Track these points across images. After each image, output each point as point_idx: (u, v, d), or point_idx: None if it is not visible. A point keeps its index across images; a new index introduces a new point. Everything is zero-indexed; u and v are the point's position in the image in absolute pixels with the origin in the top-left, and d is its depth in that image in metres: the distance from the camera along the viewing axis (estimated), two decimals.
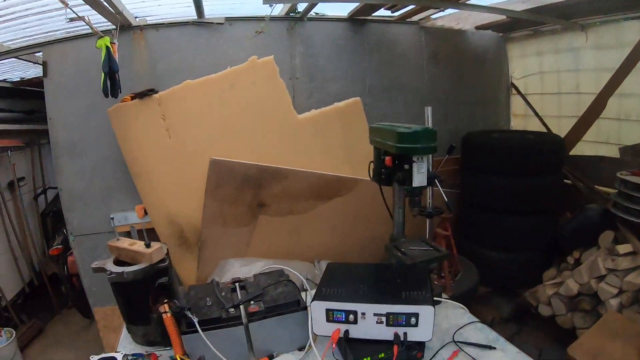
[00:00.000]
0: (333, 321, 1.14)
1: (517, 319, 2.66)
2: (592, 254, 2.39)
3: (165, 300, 1.24)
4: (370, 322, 1.12)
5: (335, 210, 2.20)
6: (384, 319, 1.11)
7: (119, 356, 1.09)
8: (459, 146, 2.85)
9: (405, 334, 1.12)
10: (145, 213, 2.29)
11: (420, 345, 1.18)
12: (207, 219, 2.08)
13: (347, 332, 1.14)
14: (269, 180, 2.03)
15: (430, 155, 1.42)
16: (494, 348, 1.23)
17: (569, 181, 2.84)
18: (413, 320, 1.09)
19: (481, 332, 1.31)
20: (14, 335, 2.59)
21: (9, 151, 3.12)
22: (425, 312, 1.08)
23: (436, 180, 1.43)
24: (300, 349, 1.30)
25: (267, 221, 2.12)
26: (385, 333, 1.13)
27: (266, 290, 1.31)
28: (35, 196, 3.60)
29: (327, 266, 1.33)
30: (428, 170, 1.40)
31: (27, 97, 3.36)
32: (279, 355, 1.28)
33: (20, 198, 3.31)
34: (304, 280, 1.51)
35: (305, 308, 1.21)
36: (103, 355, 1.11)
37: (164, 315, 1.21)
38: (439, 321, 1.37)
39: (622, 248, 2.22)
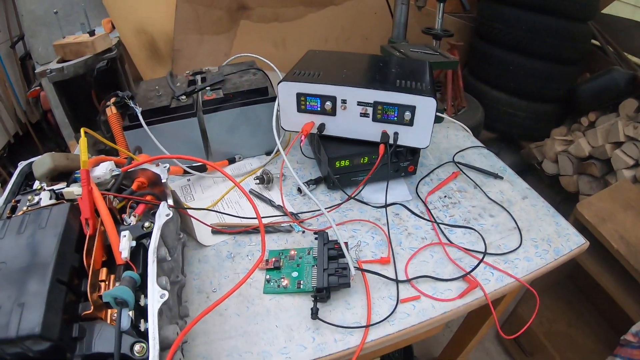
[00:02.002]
0: (305, 111, 0.89)
1: (517, 172, 2.43)
2: (610, 120, 2.15)
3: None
4: (353, 113, 0.87)
5: (328, 21, 1.87)
6: (370, 110, 0.86)
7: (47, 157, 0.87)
8: None
9: (396, 134, 0.87)
10: (113, 27, 1.99)
11: (414, 156, 0.94)
12: (180, 25, 1.77)
13: (322, 126, 0.90)
14: None
15: None
16: (501, 178, 1.01)
17: (596, 42, 2.48)
18: (407, 115, 0.84)
19: (486, 159, 1.08)
20: None
21: None
22: (424, 105, 0.83)
23: None
24: (268, 153, 1.07)
25: (249, 28, 1.81)
26: (371, 131, 0.88)
27: (228, 77, 1.05)
28: (12, 44, 3.26)
29: (306, 53, 1.05)
30: None
31: None
32: (242, 159, 1.06)
33: None
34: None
35: (275, 99, 0.95)
36: (31, 159, 0.90)
37: (107, 112, 0.97)
38: (437, 140, 1.13)
39: None
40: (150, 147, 0.93)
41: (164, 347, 0.50)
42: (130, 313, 0.52)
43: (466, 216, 0.90)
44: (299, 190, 0.94)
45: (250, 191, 0.95)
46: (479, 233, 0.85)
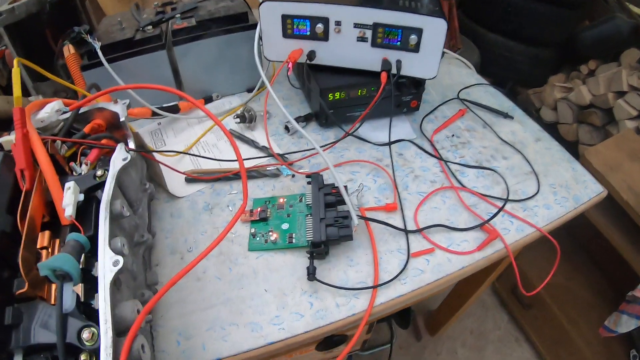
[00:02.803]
0: (292, 36, 0.76)
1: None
2: (611, 69, 2.04)
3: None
4: (348, 37, 0.74)
5: None
6: (369, 34, 0.73)
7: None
8: None
9: (398, 62, 0.74)
10: None
11: (418, 89, 0.82)
12: None
13: (312, 53, 0.77)
14: None
15: None
16: (511, 117, 0.89)
17: None
18: (413, 39, 0.71)
19: (494, 98, 0.96)
20: None
21: None
22: (433, 28, 0.70)
23: None
24: (250, 89, 0.94)
25: None
26: (369, 58, 0.76)
27: (202, 4, 0.91)
28: None
29: None
30: None
31: None
32: (220, 98, 0.93)
33: None
34: None
35: (256, 26, 0.81)
36: None
37: (65, 52, 0.84)
38: (438, 76, 1.00)
39: None
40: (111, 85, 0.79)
41: (122, 329, 0.39)
42: (79, 287, 0.41)
43: (477, 157, 0.79)
44: (287, 128, 0.82)
45: (229, 132, 0.83)
46: (500, 175, 0.74)
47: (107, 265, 0.40)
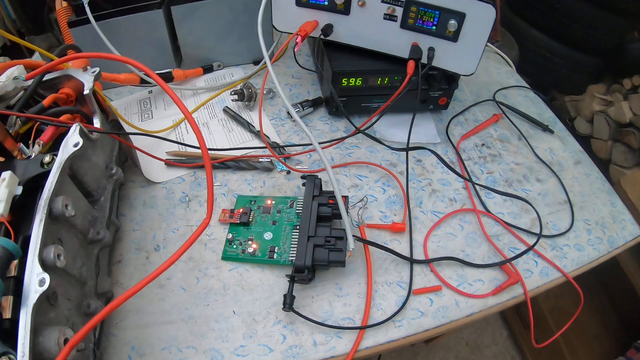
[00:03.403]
0: (308, 5, 0.63)
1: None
2: None
3: None
4: (374, 13, 0.61)
5: None
6: (399, 12, 0.60)
7: None
8: None
9: (431, 50, 0.62)
10: None
11: (450, 85, 0.69)
12: None
13: (328, 27, 0.64)
14: None
15: None
16: (551, 131, 0.77)
17: None
18: (452, 25, 0.58)
19: (534, 105, 0.83)
20: None
21: None
22: (478, 14, 0.57)
23: None
24: (256, 62, 0.82)
25: None
26: (396, 41, 0.63)
27: None
28: None
29: None
30: None
31: None
32: (222, 68, 0.82)
33: None
34: None
35: None
36: None
37: (57, 5, 0.74)
38: None
39: None
40: (102, 50, 0.68)
41: None
42: (8, 300, 0.33)
43: (508, 176, 0.67)
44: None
45: (224, 109, 0.71)
46: (532, 206, 0.62)
47: (32, 283, 0.32)
